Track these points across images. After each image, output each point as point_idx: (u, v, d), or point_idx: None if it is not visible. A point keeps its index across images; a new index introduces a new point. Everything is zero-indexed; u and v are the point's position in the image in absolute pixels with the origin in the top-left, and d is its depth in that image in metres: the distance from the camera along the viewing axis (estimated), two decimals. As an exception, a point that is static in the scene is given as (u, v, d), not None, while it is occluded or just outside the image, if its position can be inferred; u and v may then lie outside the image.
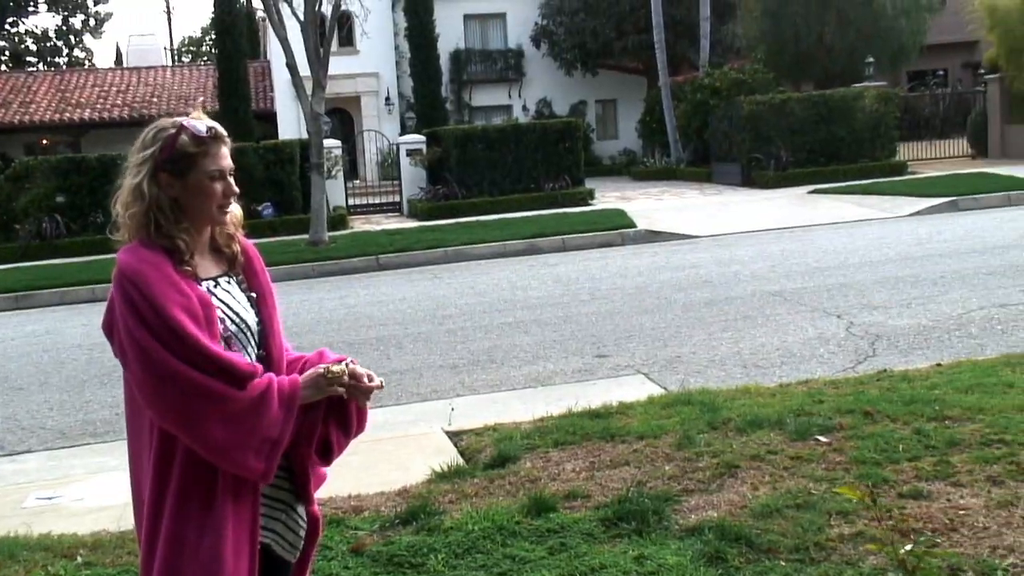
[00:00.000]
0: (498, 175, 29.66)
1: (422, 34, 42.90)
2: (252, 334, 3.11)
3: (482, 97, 47.92)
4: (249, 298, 3.17)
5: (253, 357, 3.10)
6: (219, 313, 3.01)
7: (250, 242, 3.30)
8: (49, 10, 59.94)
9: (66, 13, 60.61)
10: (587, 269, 17.26)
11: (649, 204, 27.68)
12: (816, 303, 12.17)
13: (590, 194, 29.53)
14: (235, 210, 3.18)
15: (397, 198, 32.39)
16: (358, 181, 38.01)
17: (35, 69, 55.82)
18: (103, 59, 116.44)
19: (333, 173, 28.76)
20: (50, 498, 7.27)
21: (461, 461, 6.98)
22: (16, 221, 26.37)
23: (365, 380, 3.11)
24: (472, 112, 47.47)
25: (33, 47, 60.88)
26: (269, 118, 43.09)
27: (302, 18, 23.02)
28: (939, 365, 8.38)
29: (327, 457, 3.24)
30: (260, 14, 45.50)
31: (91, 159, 27.33)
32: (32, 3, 58.06)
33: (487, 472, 6.55)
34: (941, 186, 24.55)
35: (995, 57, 33.81)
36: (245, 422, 2.87)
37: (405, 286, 17.09)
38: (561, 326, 12.19)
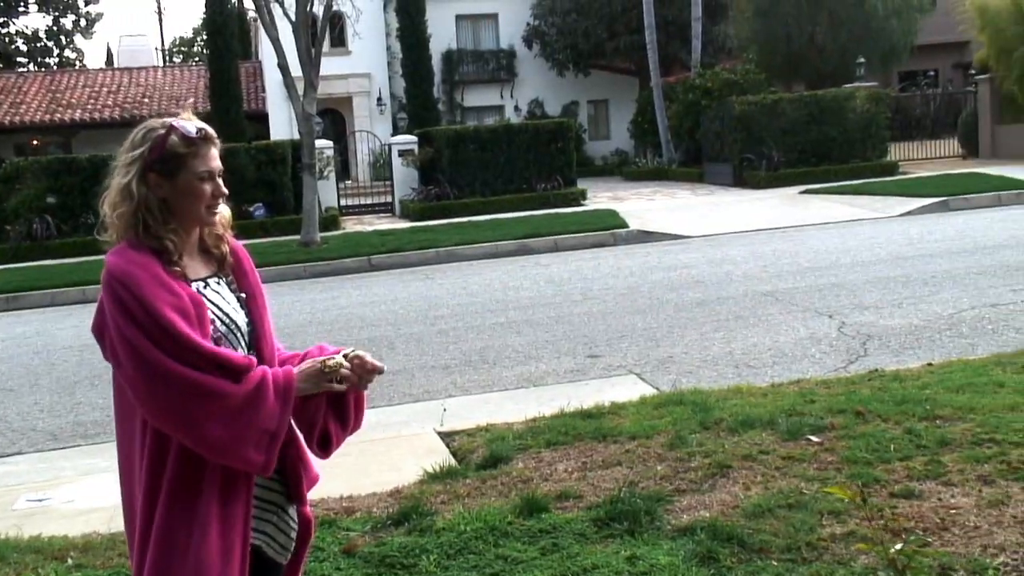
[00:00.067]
0: (490, 176, 29.66)
1: (414, 34, 42.89)
2: (242, 335, 3.11)
3: (474, 97, 47.93)
4: (239, 299, 3.16)
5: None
6: (209, 314, 3.01)
7: (239, 243, 3.29)
8: (39, 10, 59.80)
9: (56, 13, 60.47)
10: (579, 269, 17.26)
11: (641, 204, 27.69)
12: (808, 303, 12.18)
13: (582, 194, 29.54)
14: (224, 211, 3.17)
15: (389, 199, 32.36)
16: (350, 182, 37.99)
17: (25, 70, 55.67)
18: (94, 60, 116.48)
19: (325, 174, 28.74)
20: (40, 500, 7.26)
21: (453, 462, 6.98)
22: (6, 222, 26.30)
23: (368, 360, 3.12)
24: (464, 112, 47.48)
25: (23, 47, 60.72)
26: (261, 119, 43.05)
27: (294, 19, 23.00)
28: (930, 365, 8.39)
29: (326, 449, 3.25)
30: (252, 15, 45.53)
31: (82, 160, 27.27)
32: (22, 3, 57.92)
33: (479, 473, 6.54)
34: (932, 186, 24.60)
35: (985, 57, 33.87)
36: (242, 416, 2.86)
37: (397, 287, 17.09)
38: (553, 326, 12.19)
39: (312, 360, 3.06)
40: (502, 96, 48.37)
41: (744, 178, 30.12)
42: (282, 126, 41.22)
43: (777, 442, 6.44)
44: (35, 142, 42.89)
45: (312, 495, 3.41)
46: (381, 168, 36.17)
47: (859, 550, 4.62)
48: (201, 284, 3.06)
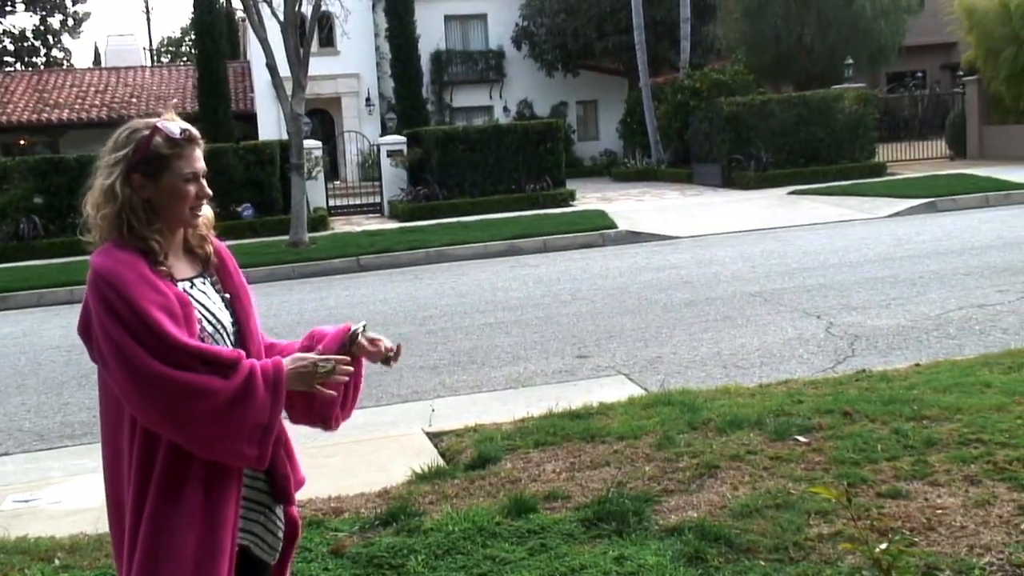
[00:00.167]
0: (479, 176, 29.65)
1: (403, 35, 42.86)
2: (228, 335, 3.11)
3: (463, 98, 47.94)
4: (224, 299, 3.16)
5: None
6: (196, 314, 3.01)
7: (223, 243, 3.29)
8: (27, 10, 59.76)
9: (44, 13, 60.41)
10: (568, 270, 17.27)
11: (630, 205, 27.70)
12: (796, 303, 12.20)
13: (571, 195, 29.54)
14: (206, 211, 3.17)
15: (378, 199, 32.33)
16: (339, 182, 37.94)
17: (12, 69, 55.62)
18: (81, 59, 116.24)
19: (313, 174, 28.71)
20: (27, 501, 7.24)
21: (441, 462, 6.98)
22: (-6, 222, 26.25)
23: (382, 344, 3.27)
24: (453, 113, 47.48)
25: (10, 47, 60.66)
26: (249, 119, 43.01)
27: (282, 19, 22.96)
28: (918, 365, 8.41)
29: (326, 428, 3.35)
30: (240, 14, 45.45)
31: (69, 160, 27.16)
32: (9, 3, 57.85)
33: (467, 473, 6.54)
34: (920, 187, 24.64)
35: (973, 59, 33.97)
36: (233, 412, 2.86)
37: (386, 287, 17.08)
38: (542, 327, 12.19)
39: (304, 358, 3.04)
40: (491, 96, 48.39)
41: (733, 179, 30.15)
42: (270, 126, 41.18)
43: (765, 442, 6.45)
44: (22, 142, 42.80)
45: (300, 496, 3.41)
46: (370, 168, 36.14)
47: (845, 550, 4.63)
48: (187, 284, 3.06)
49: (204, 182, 3.10)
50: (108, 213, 2.98)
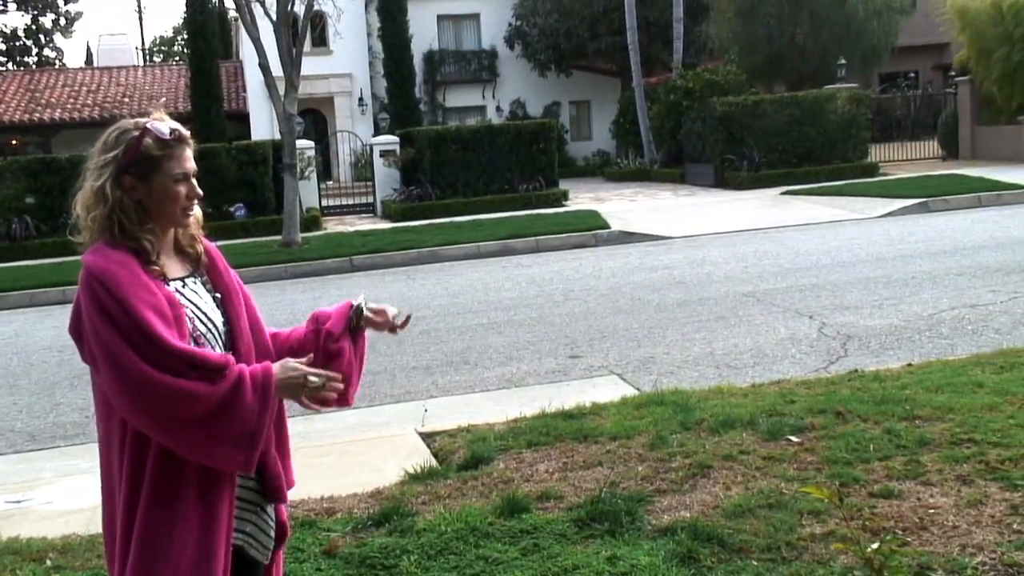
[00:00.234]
0: (472, 176, 29.64)
1: (395, 35, 42.83)
2: (220, 334, 3.10)
3: (456, 98, 47.92)
4: (215, 299, 3.16)
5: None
6: (189, 313, 3.01)
7: (213, 244, 3.28)
8: (19, 9, 59.64)
9: (36, 12, 60.33)
10: (561, 270, 17.27)
11: (623, 205, 27.72)
12: (789, 304, 12.21)
13: (564, 195, 29.55)
14: (195, 211, 3.16)
15: (370, 199, 32.33)
16: (331, 182, 37.93)
17: (4, 69, 55.53)
18: (73, 59, 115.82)
19: (306, 174, 28.68)
20: (19, 501, 7.22)
21: (434, 462, 6.97)
22: (-15, 222, 26.20)
23: (388, 312, 3.34)
24: (446, 113, 47.46)
25: (2, 46, 60.57)
26: (242, 118, 42.96)
27: (275, 18, 22.94)
28: (910, 365, 8.42)
29: (347, 384, 3.35)
30: (232, 14, 45.35)
31: (62, 159, 27.10)
32: (1, 2, 57.72)
33: (460, 473, 6.54)
34: (912, 187, 24.68)
35: (965, 59, 34.04)
36: (220, 417, 2.85)
37: (378, 287, 17.06)
38: (535, 327, 12.19)
39: (295, 368, 3.01)
40: (484, 96, 48.38)
41: (725, 179, 30.18)
42: (263, 126, 41.15)
43: (757, 442, 6.45)
44: (14, 142, 42.68)
45: (292, 496, 3.42)
46: (363, 168, 36.13)
47: (838, 550, 4.64)
48: (179, 284, 3.06)
49: (195, 182, 3.09)
50: (99, 215, 2.97)
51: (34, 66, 58.15)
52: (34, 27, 61.25)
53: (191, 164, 3.07)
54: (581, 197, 30.52)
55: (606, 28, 43.84)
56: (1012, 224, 17.89)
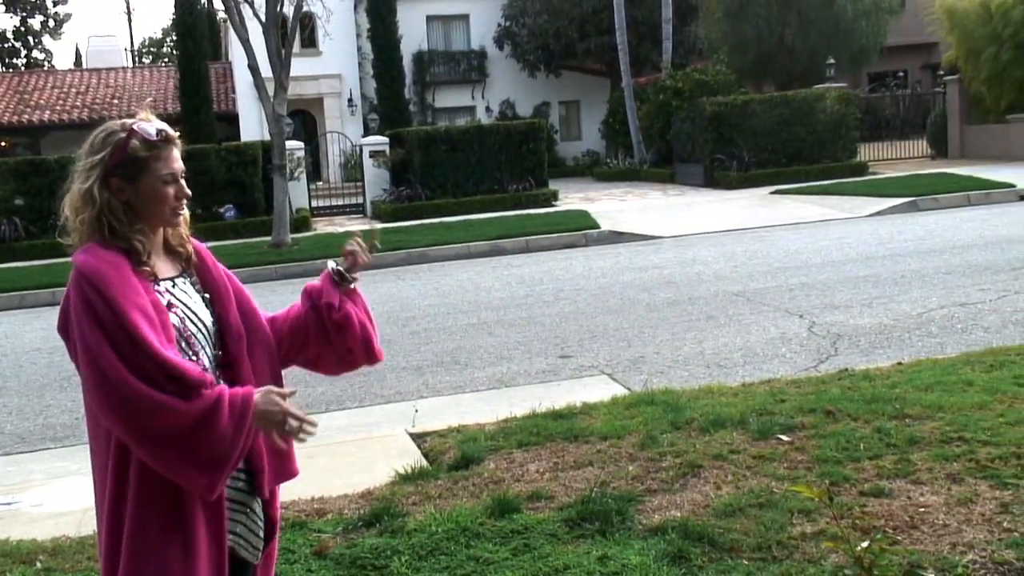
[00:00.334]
0: (462, 176, 29.64)
1: (385, 35, 42.79)
2: (209, 334, 3.10)
3: (445, 98, 47.91)
4: (204, 299, 3.15)
5: (211, 357, 3.08)
6: (180, 312, 3.01)
7: (199, 242, 3.27)
8: (7, 11, 59.50)
9: (24, 14, 60.20)
10: (551, 270, 17.27)
11: (612, 205, 27.73)
12: (778, 303, 12.23)
13: (554, 195, 29.55)
14: (184, 211, 3.15)
15: (360, 200, 32.29)
16: (321, 183, 37.88)
17: (-7, 70, 55.38)
18: (62, 60, 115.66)
19: (296, 175, 28.65)
20: (9, 504, 7.21)
21: (425, 463, 6.97)
22: (-26, 224, 26.12)
23: (356, 251, 3.39)
24: (435, 113, 47.44)
25: (-9, 48, 60.42)
26: (231, 120, 42.93)
27: (263, 19, 22.91)
28: (900, 364, 8.43)
29: (368, 342, 3.40)
30: (221, 15, 45.30)
31: (51, 161, 27.03)
32: (-10, 4, 57.61)
33: (451, 474, 6.54)
34: (901, 186, 24.74)
35: (954, 59, 34.13)
36: (192, 436, 2.81)
37: (368, 288, 16.90)
38: (525, 327, 12.19)
39: (277, 403, 2.95)
40: (473, 97, 48.37)
41: (715, 179, 30.21)
42: (253, 127, 41.09)
43: (748, 441, 6.46)
44: (3, 143, 42.62)
45: (283, 496, 3.41)
46: (352, 169, 36.10)
47: (828, 548, 4.64)
48: (169, 284, 3.05)
49: (183, 182, 3.08)
50: (87, 217, 2.96)
51: (23, 68, 58.01)
52: (23, 29, 61.11)
53: (179, 164, 3.06)
54: (571, 197, 30.53)
55: (595, 28, 43.86)
56: (1001, 223, 17.94)
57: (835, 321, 10.96)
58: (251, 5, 23.34)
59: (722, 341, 10.55)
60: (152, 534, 2.88)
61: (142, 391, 2.75)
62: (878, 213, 21.45)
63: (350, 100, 44.53)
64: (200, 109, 39.89)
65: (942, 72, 36.44)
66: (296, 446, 3.20)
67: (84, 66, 55.72)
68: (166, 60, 71.71)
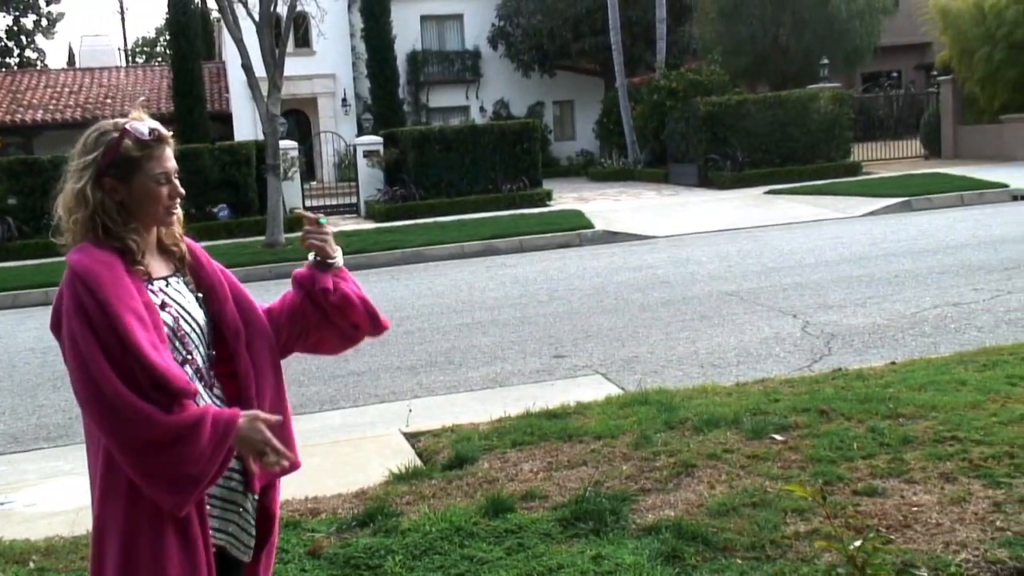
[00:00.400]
0: (456, 176, 29.63)
1: (379, 35, 42.81)
2: (203, 333, 3.10)
3: (439, 98, 47.91)
4: (197, 298, 3.15)
5: (204, 356, 3.09)
6: (174, 312, 3.01)
7: (196, 243, 3.27)
8: (0, 10, 59.35)
9: (17, 13, 60.08)
10: (545, 270, 17.27)
11: (607, 205, 27.73)
12: (772, 303, 12.23)
13: (548, 195, 29.56)
14: (177, 211, 3.15)
15: (354, 199, 32.29)
16: (315, 183, 37.87)
17: (-14, 70, 55.24)
18: (55, 60, 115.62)
19: (289, 174, 28.63)
20: (2, 503, 7.20)
21: (419, 462, 6.96)
22: (-33, 224, 26.08)
23: (312, 238, 3.35)
24: (429, 113, 47.45)
25: (-16, 48, 60.29)
26: (225, 119, 42.89)
27: (257, 19, 22.88)
28: (893, 363, 8.44)
29: (373, 315, 3.43)
30: (215, 15, 45.29)
31: (44, 160, 27.02)
32: (-17, 4, 57.51)
33: (445, 473, 6.53)
34: (895, 186, 24.76)
35: (947, 59, 34.16)
36: (168, 451, 2.79)
37: (362, 288, 17.00)
38: (519, 327, 12.19)
39: (261, 431, 2.94)
40: (467, 97, 48.39)
41: (709, 178, 30.22)
42: (246, 127, 41.08)
43: (741, 441, 6.46)
44: (-4, 143, 42.58)
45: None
46: (346, 169, 36.09)
47: (822, 548, 4.64)
48: (163, 283, 3.05)
49: (176, 181, 3.08)
50: (80, 217, 2.96)
51: (16, 67, 57.88)
52: (15, 28, 61.00)
53: (172, 163, 3.06)
54: (565, 197, 30.53)
55: (589, 28, 43.89)
56: (994, 223, 17.96)
57: (829, 321, 10.97)
58: (245, 5, 23.32)
59: (716, 341, 10.56)
60: (143, 534, 2.87)
61: (125, 397, 2.75)
62: (872, 213, 21.47)
63: (344, 100, 44.54)
64: (194, 109, 39.88)
65: (936, 72, 36.48)
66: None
67: (77, 65, 55.61)
68: (159, 60, 71.65)
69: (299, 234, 3.43)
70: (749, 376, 8.77)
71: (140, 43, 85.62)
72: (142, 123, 3.00)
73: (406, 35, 45.60)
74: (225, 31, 29.34)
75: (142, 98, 38.12)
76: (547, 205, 28.47)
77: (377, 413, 8.96)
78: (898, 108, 38.73)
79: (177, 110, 39.50)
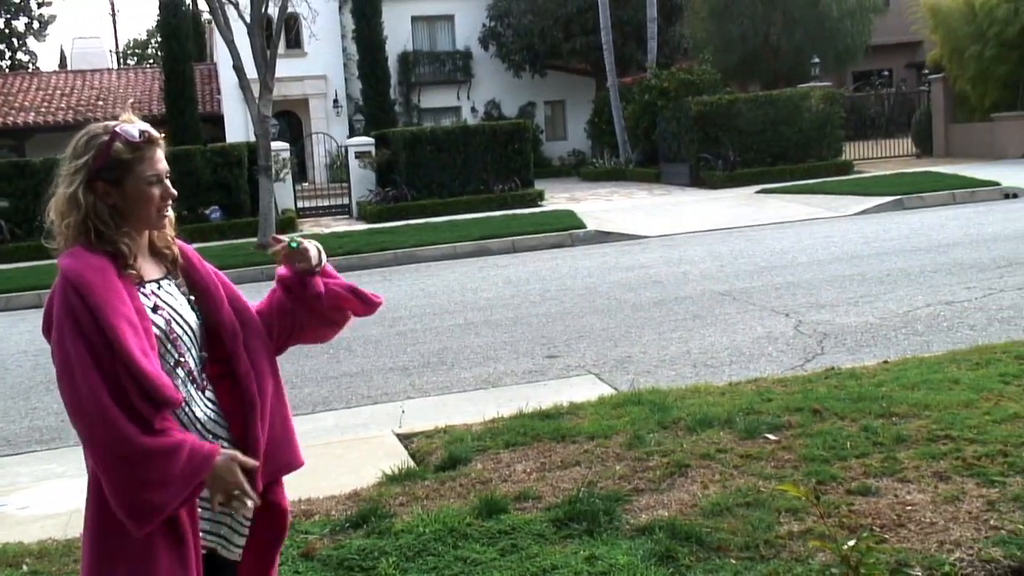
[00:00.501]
0: (447, 177, 29.63)
1: (370, 36, 42.79)
2: (195, 336, 3.09)
3: (431, 99, 47.85)
4: (189, 300, 3.14)
5: (196, 359, 3.08)
6: (166, 315, 3.00)
7: (188, 245, 3.26)
8: (-9, 13, 59.23)
9: (8, 16, 59.92)
10: (537, 270, 17.27)
11: (599, 205, 27.74)
12: (765, 302, 12.24)
13: (540, 195, 29.55)
14: (169, 212, 3.14)
15: (346, 200, 32.28)
16: (307, 184, 37.83)
17: (-23, 73, 55.10)
18: (47, 62, 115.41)
19: (281, 176, 28.61)
20: (-5, 506, 7.18)
21: (412, 463, 6.96)
22: (-40, 227, 26.04)
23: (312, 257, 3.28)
24: (421, 114, 47.40)
25: (-25, 50, 60.12)
26: (216, 121, 42.83)
27: (248, 20, 22.85)
28: (886, 362, 8.45)
29: (364, 299, 3.42)
30: (206, 16, 45.21)
31: (35, 163, 26.98)
32: (-27, 6, 57.36)
33: (438, 474, 6.53)
34: (887, 185, 24.79)
35: (938, 57, 34.22)
36: (136, 471, 2.76)
37: (355, 288, 16.99)
38: (511, 327, 12.19)
39: (236, 473, 2.91)
40: (459, 97, 48.33)
41: (701, 178, 30.24)
42: (238, 128, 41.03)
43: (735, 441, 6.46)
44: (-13, 146, 42.47)
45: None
46: (338, 170, 36.07)
47: (815, 547, 4.64)
48: (155, 286, 3.05)
49: (168, 183, 3.07)
50: (72, 221, 2.95)
51: (7, 70, 57.74)
52: (7, 30, 60.82)
53: (163, 165, 3.05)
54: (557, 197, 30.54)
55: (580, 28, 43.86)
56: (986, 221, 18.00)
57: (821, 320, 10.98)
58: (236, 6, 23.28)
59: (708, 340, 10.56)
60: (133, 536, 2.86)
61: (107, 410, 2.74)
62: (863, 212, 21.50)
63: (335, 101, 44.49)
64: (185, 110, 39.82)
65: (927, 71, 36.55)
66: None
67: (69, 68, 55.58)
68: (151, 61, 71.53)
69: (291, 235, 3.41)
70: (742, 376, 8.77)
71: (132, 45, 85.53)
72: (132, 125, 3.00)
73: (397, 36, 45.57)
74: (216, 33, 29.31)
75: (130, 100, 38.01)
76: (539, 205, 28.47)
77: (370, 414, 8.96)
78: (889, 107, 38.80)
79: (169, 112, 39.44)
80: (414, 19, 47.71)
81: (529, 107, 48.30)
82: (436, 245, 21.14)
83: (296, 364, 10.57)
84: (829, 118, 31.08)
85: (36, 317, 14.21)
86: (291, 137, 39.42)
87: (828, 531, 4.44)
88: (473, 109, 47.96)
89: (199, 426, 3.02)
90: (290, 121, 44.10)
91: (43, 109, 43.08)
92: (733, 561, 4.74)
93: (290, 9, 24.26)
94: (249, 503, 2.97)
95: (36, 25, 61.86)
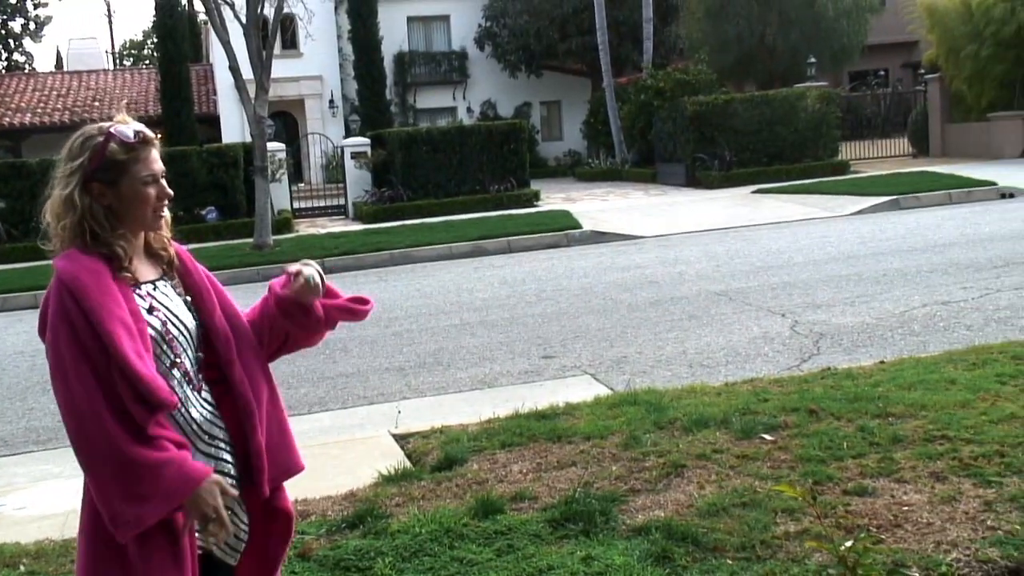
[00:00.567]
0: (443, 177, 29.62)
1: (365, 36, 42.81)
2: (191, 337, 3.08)
3: (427, 99, 47.87)
4: (185, 301, 3.13)
5: (192, 359, 3.07)
6: (162, 316, 2.99)
7: (183, 247, 3.25)
8: (-13, 14, 59.13)
9: (4, 17, 59.83)
10: (533, 271, 17.26)
11: (594, 205, 27.74)
12: (761, 302, 12.24)
13: (535, 195, 29.55)
14: (165, 213, 3.13)
15: (342, 201, 32.27)
16: (303, 184, 37.85)
17: (-27, 73, 55.04)
18: (43, 63, 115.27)
19: (277, 176, 28.60)
20: (-9, 507, 7.18)
21: (408, 464, 6.95)
22: (-44, 228, 26.03)
23: (307, 282, 3.18)
24: (417, 114, 47.42)
25: (-29, 51, 60.03)
26: (212, 121, 42.82)
27: (244, 21, 22.84)
28: (882, 362, 8.44)
29: (357, 313, 3.35)
30: (202, 17, 45.22)
31: (32, 164, 26.96)
32: (-31, 8, 57.27)
33: (434, 475, 6.52)
34: (883, 185, 24.81)
35: (935, 57, 34.24)
36: (119, 479, 2.77)
37: (351, 289, 16.89)
38: (507, 328, 12.18)
39: (216, 497, 2.89)
40: (454, 98, 48.36)
41: (697, 178, 30.24)
42: (234, 129, 41.02)
43: (731, 441, 6.45)
44: (-17, 146, 42.44)
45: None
46: (334, 170, 36.06)
47: (812, 548, 4.64)
48: (150, 287, 3.04)
49: (164, 183, 3.06)
50: (69, 223, 2.95)
51: (3, 70, 57.66)
52: (3, 32, 60.75)
53: (158, 165, 3.04)
54: (553, 197, 30.53)
55: (576, 28, 43.89)
56: (983, 221, 18.01)
57: (817, 320, 10.99)
58: (232, 7, 23.27)
59: (704, 341, 10.56)
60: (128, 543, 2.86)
61: (99, 415, 2.75)
62: (860, 212, 21.51)
63: (331, 101, 44.50)
64: (181, 111, 39.85)
65: (923, 70, 36.59)
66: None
67: (65, 68, 55.51)
68: (147, 62, 71.51)
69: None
70: (738, 376, 8.77)
71: (128, 46, 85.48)
72: (127, 126, 2.99)
73: (393, 36, 45.56)
74: (212, 33, 29.31)
75: (124, 100, 37.99)
76: (535, 205, 28.47)
77: (366, 415, 8.95)
78: (885, 107, 38.84)
79: (165, 112, 39.46)
80: (410, 19, 47.72)
81: (525, 107, 48.31)
82: (432, 245, 21.14)
83: (292, 364, 10.56)
84: (825, 118, 31.09)
85: (32, 318, 14.16)
86: (287, 138, 39.45)
87: (824, 531, 4.44)
88: (469, 109, 47.97)
89: (195, 427, 3.02)
90: (286, 122, 44.12)
91: (39, 110, 43.07)
92: (729, 561, 4.73)
93: (286, 10, 24.26)
94: (222, 534, 2.95)
95: (32, 26, 61.74)
